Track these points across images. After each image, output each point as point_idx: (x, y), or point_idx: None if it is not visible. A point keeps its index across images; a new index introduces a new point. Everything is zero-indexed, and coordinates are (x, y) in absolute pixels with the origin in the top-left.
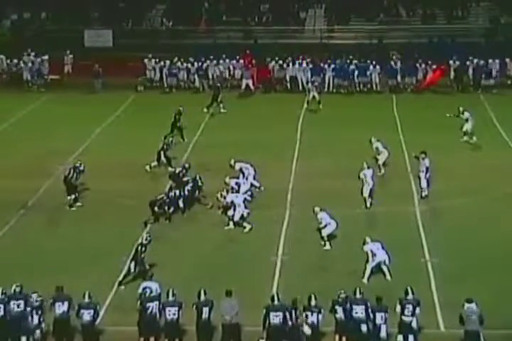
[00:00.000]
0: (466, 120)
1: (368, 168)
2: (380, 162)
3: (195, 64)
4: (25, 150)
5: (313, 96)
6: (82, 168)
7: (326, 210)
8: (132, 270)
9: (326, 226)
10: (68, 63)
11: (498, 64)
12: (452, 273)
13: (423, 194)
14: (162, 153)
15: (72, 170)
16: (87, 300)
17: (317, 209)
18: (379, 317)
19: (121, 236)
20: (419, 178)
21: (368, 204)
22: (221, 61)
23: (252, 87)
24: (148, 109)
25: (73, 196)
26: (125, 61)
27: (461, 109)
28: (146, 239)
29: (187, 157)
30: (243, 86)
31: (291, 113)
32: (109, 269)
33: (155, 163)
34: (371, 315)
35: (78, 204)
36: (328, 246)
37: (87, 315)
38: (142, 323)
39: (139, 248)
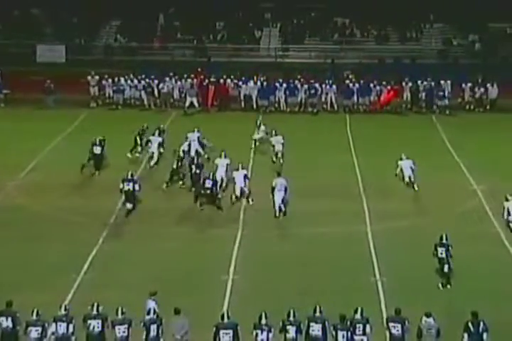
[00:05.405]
0: None
1: (407, 158)
2: None
3: (144, 81)
4: None
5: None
6: None
7: None
8: None
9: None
10: None
11: (450, 85)
12: (402, 292)
13: None
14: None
15: None
16: (35, 317)
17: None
18: (341, 336)
19: (71, 254)
20: None
21: (416, 187)
22: (167, 78)
23: (196, 105)
24: (101, 126)
25: None
26: (78, 77)
27: None
28: None
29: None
30: (187, 103)
31: (245, 132)
32: (59, 287)
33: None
34: (333, 333)
35: None
36: None
37: (34, 333)
38: None
39: None
